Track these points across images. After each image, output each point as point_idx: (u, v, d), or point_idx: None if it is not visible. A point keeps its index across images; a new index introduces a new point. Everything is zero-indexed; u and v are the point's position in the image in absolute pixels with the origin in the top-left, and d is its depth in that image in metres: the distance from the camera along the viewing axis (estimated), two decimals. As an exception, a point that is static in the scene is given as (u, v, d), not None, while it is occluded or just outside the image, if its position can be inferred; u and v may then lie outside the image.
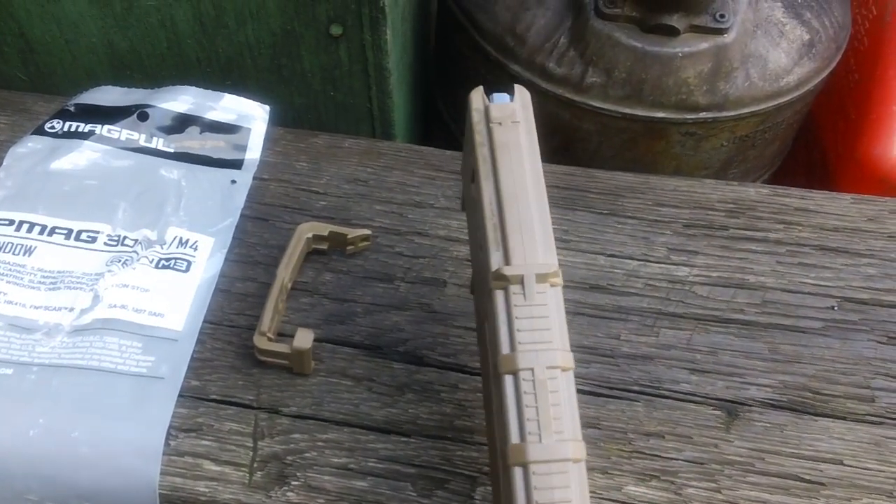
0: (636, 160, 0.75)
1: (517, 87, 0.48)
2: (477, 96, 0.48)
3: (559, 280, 0.42)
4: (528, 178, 0.44)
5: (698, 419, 0.54)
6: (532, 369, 0.39)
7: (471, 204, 0.49)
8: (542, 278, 0.41)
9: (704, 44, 0.71)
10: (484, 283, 0.44)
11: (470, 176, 0.48)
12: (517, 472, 0.38)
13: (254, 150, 0.65)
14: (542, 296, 0.41)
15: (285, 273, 0.55)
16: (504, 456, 0.39)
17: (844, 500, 0.51)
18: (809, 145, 0.93)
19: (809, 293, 0.61)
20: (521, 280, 0.41)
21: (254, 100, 0.68)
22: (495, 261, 0.42)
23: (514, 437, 0.38)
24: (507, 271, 0.41)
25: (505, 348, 0.40)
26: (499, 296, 0.41)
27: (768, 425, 0.54)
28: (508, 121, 0.46)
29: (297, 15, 0.64)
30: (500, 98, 0.47)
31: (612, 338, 0.58)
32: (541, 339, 0.40)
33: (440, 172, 0.67)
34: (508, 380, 0.40)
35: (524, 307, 0.41)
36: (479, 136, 0.46)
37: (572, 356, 0.41)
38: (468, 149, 0.49)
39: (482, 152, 0.45)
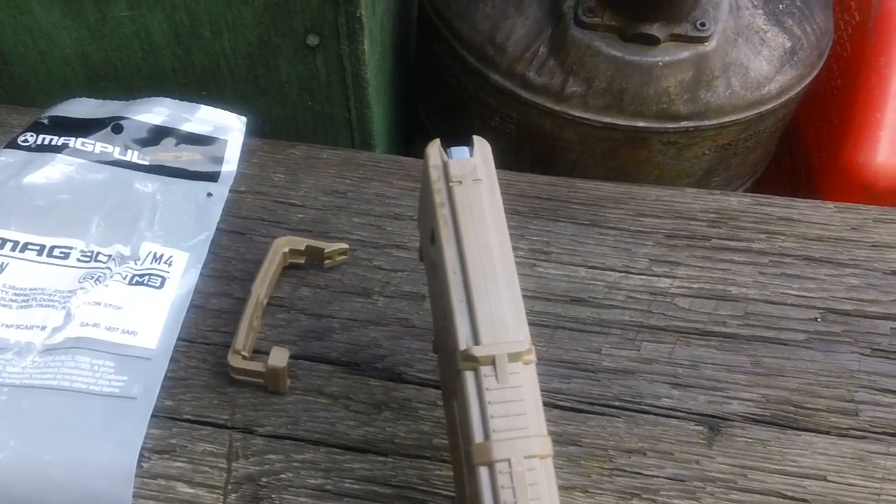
0: (618, 169, 0.75)
1: (476, 140, 0.45)
2: (434, 151, 0.45)
3: (532, 357, 0.40)
4: (493, 244, 0.42)
5: (680, 435, 0.53)
6: (509, 460, 0.37)
7: (430, 265, 0.47)
8: (514, 357, 0.39)
9: (685, 52, 0.70)
10: (451, 360, 0.41)
11: (429, 235, 0.46)
12: None
13: (230, 162, 0.64)
14: (516, 376, 0.39)
15: (260, 289, 0.54)
16: None
17: (827, 516, 0.50)
18: (792, 152, 0.92)
19: (792, 304, 0.61)
20: (492, 361, 0.39)
21: (230, 111, 0.67)
22: (463, 338, 0.40)
23: None
24: (477, 352, 0.39)
25: (478, 436, 0.38)
26: (469, 378, 0.39)
27: (751, 440, 0.53)
28: (469, 179, 0.43)
29: (273, 25, 0.63)
30: (459, 153, 0.45)
31: (593, 352, 0.57)
32: (516, 426, 0.38)
33: (419, 183, 0.66)
34: (483, 472, 0.37)
35: (496, 391, 0.39)
36: (439, 196, 0.43)
37: (550, 441, 0.39)
38: (426, 205, 0.46)
39: (442, 213, 0.43)
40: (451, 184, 0.43)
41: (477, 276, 0.41)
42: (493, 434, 0.38)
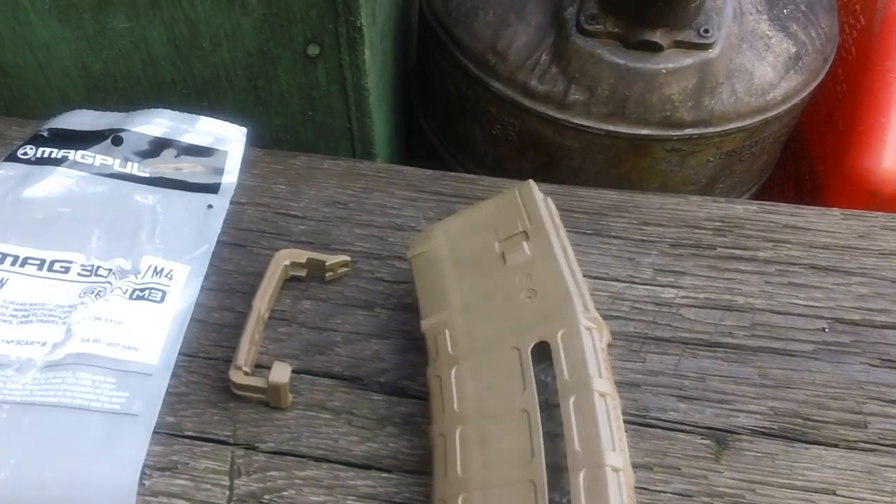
0: (621, 177, 0.74)
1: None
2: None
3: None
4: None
5: (687, 449, 0.53)
6: None
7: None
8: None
9: (688, 59, 0.70)
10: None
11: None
12: None
13: (231, 174, 0.64)
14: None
15: (262, 303, 0.54)
16: None
17: (837, 531, 0.50)
18: (797, 157, 0.92)
19: (800, 314, 0.60)
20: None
21: (231, 121, 0.66)
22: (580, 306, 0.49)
23: None
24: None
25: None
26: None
27: (759, 454, 0.53)
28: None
29: (273, 35, 0.63)
30: None
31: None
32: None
33: (421, 193, 0.65)
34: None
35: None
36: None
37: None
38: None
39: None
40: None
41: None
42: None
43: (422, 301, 0.53)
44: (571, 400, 0.44)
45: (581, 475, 0.41)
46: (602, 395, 0.44)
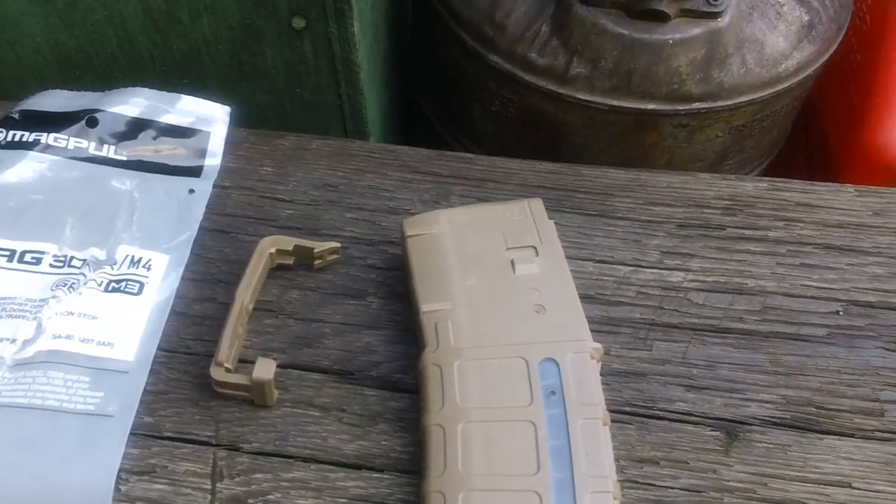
0: (626, 154, 0.71)
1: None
2: None
3: None
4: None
5: (695, 442, 0.50)
6: None
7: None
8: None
9: (697, 29, 0.66)
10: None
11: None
12: None
13: (214, 156, 0.61)
14: None
15: (245, 295, 0.51)
16: None
17: (854, 527, 0.47)
18: (809, 131, 0.88)
19: (813, 297, 0.57)
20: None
21: (214, 99, 0.63)
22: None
23: None
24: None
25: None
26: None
27: (770, 446, 0.50)
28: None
29: (255, 7, 0.59)
30: None
31: (602, 354, 0.53)
32: None
33: (416, 174, 0.62)
34: None
35: None
36: None
37: None
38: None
39: None
40: None
41: None
42: None
43: (419, 284, 0.51)
44: (579, 423, 0.44)
45: (587, 497, 0.42)
46: (605, 423, 0.45)
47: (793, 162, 0.88)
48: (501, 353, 0.47)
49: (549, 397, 0.45)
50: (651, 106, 0.67)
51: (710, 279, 0.58)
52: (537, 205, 0.55)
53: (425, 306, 0.50)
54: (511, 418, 0.45)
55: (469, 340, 0.48)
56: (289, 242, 0.54)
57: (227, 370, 0.48)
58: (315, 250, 0.54)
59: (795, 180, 0.65)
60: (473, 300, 0.50)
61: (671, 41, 0.66)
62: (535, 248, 0.53)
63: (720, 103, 0.68)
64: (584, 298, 0.56)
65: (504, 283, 0.51)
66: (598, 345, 0.48)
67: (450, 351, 0.47)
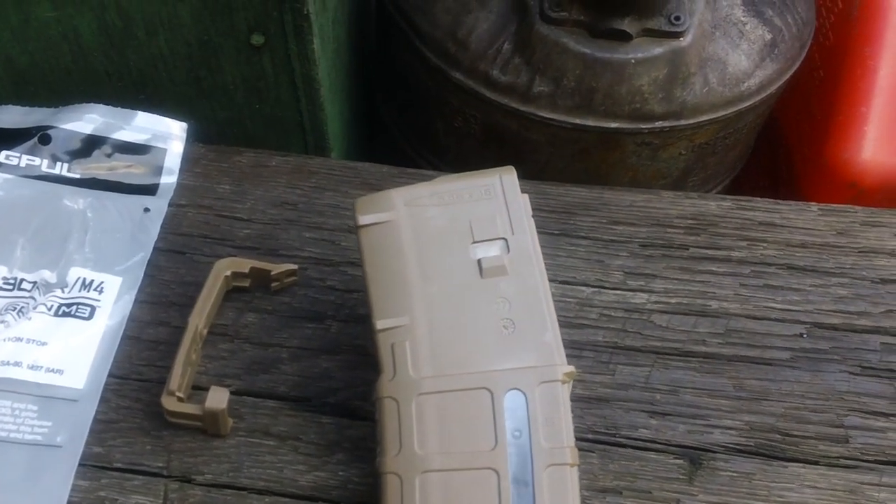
0: (589, 171, 0.70)
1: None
2: None
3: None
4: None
5: (658, 470, 0.49)
6: None
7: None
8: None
9: (659, 48, 0.66)
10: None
11: None
12: None
13: (170, 173, 0.59)
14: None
15: (199, 320, 0.49)
16: None
17: (817, 556, 0.47)
18: (773, 147, 0.88)
19: (776, 319, 0.57)
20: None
21: (172, 115, 0.62)
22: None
23: None
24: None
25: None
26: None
27: (734, 474, 0.49)
28: None
29: (213, 24, 0.58)
30: None
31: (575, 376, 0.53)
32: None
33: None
34: None
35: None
36: None
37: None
38: None
39: None
40: None
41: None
42: None
43: (374, 292, 0.46)
44: (546, 472, 0.42)
45: None
46: (573, 465, 0.42)
47: (756, 178, 0.88)
48: (464, 382, 0.44)
49: (515, 438, 0.42)
50: (614, 125, 0.67)
51: (674, 301, 0.57)
52: (509, 178, 0.49)
53: (381, 323, 0.45)
54: (472, 466, 0.42)
55: (429, 368, 0.44)
56: (245, 265, 0.53)
57: (180, 399, 0.47)
58: (272, 273, 0.53)
59: (759, 199, 0.65)
60: (434, 313, 0.45)
61: (633, 60, 0.65)
62: (505, 240, 0.47)
63: (683, 122, 0.68)
64: (547, 321, 0.55)
65: (469, 291, 0.45)
66: (570, 368, 0.44)
67: (408, 383, 0.44)
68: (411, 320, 0.45)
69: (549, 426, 0.43)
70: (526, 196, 0.49)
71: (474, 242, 0.47)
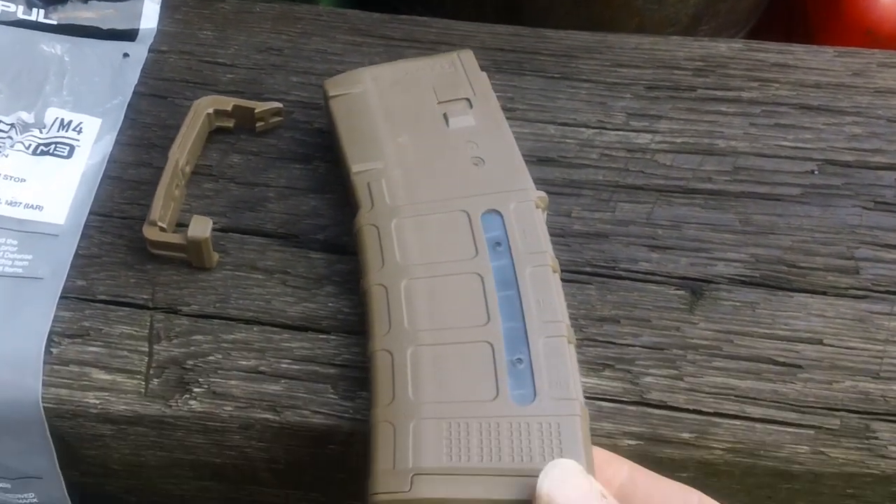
0: (593, 19, 0.67)
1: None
2: None
3: None
4: None
5: (658, 300, 0.48)
6: None
7: None
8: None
9: None
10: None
11: None
12: None
13: (149, 19, 0.57)
14: None
15: (180, 154, 0.48)
16: None
17: (824, 383, 0.45)
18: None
19: (787, 157, 0.54)
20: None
21: (152, -37, 0.59)
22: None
23: None
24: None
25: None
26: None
27: (738, 304, 0.48)
28: None
29: None
30: None
31: (562, 215, 0.51)
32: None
33: (366, 38, 0.59)
34: None
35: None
36: None
37: None
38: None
39: None
40: None
41: None
42: None
43: (348, 146, 0.48)
44: (528, 271, 0.42)
45: (541, 342, 0.40)
46: (554, 270, 0.42)
47: (771, 33, 0.84)
48: (440, 208, 0.45)
49: (495, 249, 0.43)
50: (618, -38, 0.64)
51: (679, 140, 0.55)
52: (468, 56, 0.52)
53: (356, 167, 0.47)
54: (456, 272, 0.42)
55: (405, 198, 0.45)
56: (227, 102, 0.51)
57: (162, 229, 0.45)
58: (256, 111, 0.51)
59: (772, 42, 0.62)
60: (406, 158, 0.47)
61: None
62: (468, 100, 0.50)
63: (692, -41, 0.64)
64: (546, 161, 0.53)
65: (438, 139, 0.48)
66: (542, 193, 0.46)
67: (386, 210, 0.45)
68: (385, 164, 0.47)
69: (527, 237, 0.43)
70: (485, 74, 0.52)
71: (440, 103, 0.50)
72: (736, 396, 0.44)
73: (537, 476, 0.35)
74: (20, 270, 0.45)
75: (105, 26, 0.56)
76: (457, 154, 0.47)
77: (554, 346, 0.40)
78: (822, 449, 0.44)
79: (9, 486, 0.47)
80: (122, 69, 0.54)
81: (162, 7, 0.58)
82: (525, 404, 0.38)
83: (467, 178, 0.46)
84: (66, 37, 0.55)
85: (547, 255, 0.43)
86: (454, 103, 0.50)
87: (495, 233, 0.44)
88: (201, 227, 0.44)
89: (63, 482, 0.47)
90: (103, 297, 0.46)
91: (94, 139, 0.50)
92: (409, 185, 0.46)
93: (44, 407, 0.43)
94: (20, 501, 0.48)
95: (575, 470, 0.34)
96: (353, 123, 0.49)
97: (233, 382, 0.44)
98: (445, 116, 0.49)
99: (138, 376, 0.44)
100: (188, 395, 0.43)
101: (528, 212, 0.44)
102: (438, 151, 0.47)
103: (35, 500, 0.47)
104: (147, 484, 0.50)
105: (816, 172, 0.54)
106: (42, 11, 0.56)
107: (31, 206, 0.47)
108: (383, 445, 0.38)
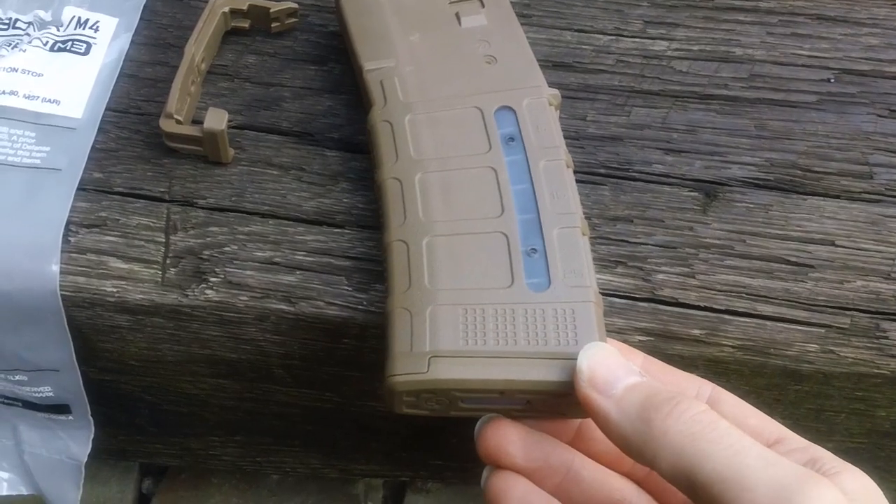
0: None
1: None
2: None
3: None
4: None
5: (671, 201, 0.48)
6: None
7: None
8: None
9: None
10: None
11: None
12: None
13: (165, -79, 0.56)
14: None
15: (196, 49, 0.48)
16: None
17: (835, 282, 0.45)
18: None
19: (803, 65, 0.54)
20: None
21: None
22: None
23: None
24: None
25: None
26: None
27: (751, 206, 0.48)
28: None
29: None
30: None
31: (577, 119, 0.51)
32: None
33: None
34: None
35: None
36: None
37: None
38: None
39: None
40: None
41: None
42: None
43: (359, 44, 0.48)
44: (542, 165, 0.42)
45: (555, 233, 0.40)
46: (568, 165, 0.42)
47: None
48: (453, 104, 0.44)
49: (508, 143, 0.43)
50: None
51: (696, 48, 0.54)
52: None
53: (368, 64, 0.47)
54: (470, 166, 0.42)
55: (418, 94, 0.45)
56: (243, 2, 0.51)
57: (178, 122, 0.45)
58: (271, 10, 0.51)
59: (790, -45, 0.61)
60: (418, 56, 0.47)
61: None
62: (480, 0, 0.49)
63: None
64: (561, 67, 0.53)
65: (450, 37, 0.48)
66: (554, 91, 0.45)
67: (399, 106, 0.45)
68: (397, 62, 0.46)
69: (540, 132, 0.43)
70: None
71: (451, 3, 0.49)
72: (747, 294, 0.45)
73: (553, 359, 0.35)
74: (38, 161, 0.45)
75: (119, -72, 0.55)
76: (469, 52, 0.47)
77: (568, 236, 0.40)
78: (831, 348, 0.44)
79: (25, 378, 0.47)
80: (137, -30, 0.54)
81: None
82: (540, 291, 0.38)
83: (480, 76, 0.46)
84: (81, -63, 0.55)
85: (560, 149, 0.43)
86: (466, 3, 0.49)
87: (509, 129, 0.44)
88: (217, 119, 0.44)
89: (80, 376, 0.47)
90: (120, 189, 0.46)
91: (110, 37, 0.50)
92: (422, 83, 0.46)
93: (61, 295, 0.43)
94: (35, 394, 0.48)
95: (612, 350, 0.35)
96: (365, 22, 0.49)
97: (248, 273, 0.44)
98: (458, 16, 0.48)
99: (155, 266, 0.44)
100: (204, 285, 0.44)
101: (541, 108, 0.44)
102: (451, 50, 0.47)
103: (51, 392, 0.48)
104: (163, 381, 0.51)
105: (832, 80, 0.53)
106: (57, -88, 0.55)
107: (49, 101, 0.47)
108: (400, 330, 0.38)
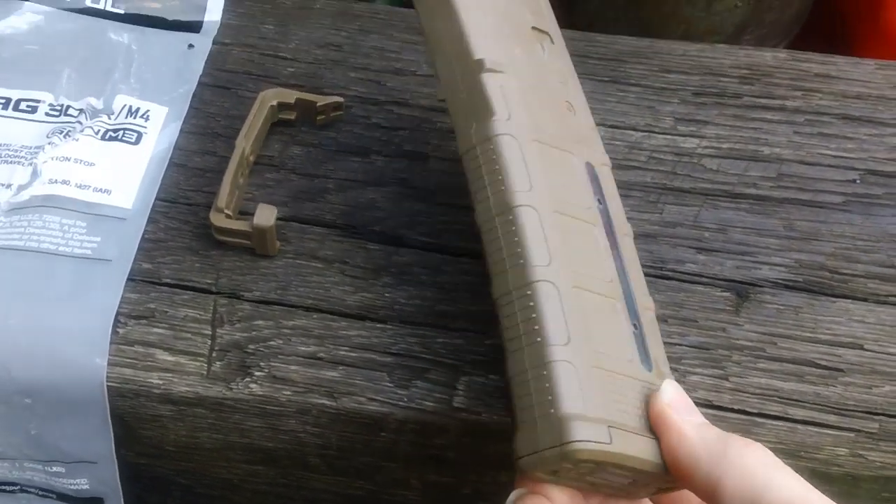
0: (641, 23, 0.68)
1: None
2: None
3: None
4: None
5: (705, 301, 0.49)
6: None
7: None
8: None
9: None
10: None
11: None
12: None
13: (213, 12, 0.58)
14: None
15: (245, 143, 0.49)
16: None
17: (864, 387, 0.46)
18: (830, 12, 0.85)
19: (829, 165, 0.55)
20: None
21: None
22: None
23: None
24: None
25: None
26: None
27: (781, 307, 0.49)
28: None
29: None
30: None
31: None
32: None
33: (422, 37, 0.60)
34: None
35: None
36: None
37: None
38: None
39: None
40: None
41: None
42: None
43: (472, 34, 0.40)
44: (624, 241, 0.41)
45: (646, 316, 0.39)
46: (632, 237, 0.42)
47: (812, 45, 0.85)
48: (557, 143, 0.39)
49: (599, 205, 0.40)
50: (669, -31, 0.65)
51: (725, 146, 0.56)
52: None
53: (489, 62, 0.39)
54: (580, 217, 0.38)
55: (526, 117, 0.39)
56: (290, 95, 0.52)
57: (228, 216, 0.47)
58: (318, 104, 0.53)
59: (815, 53, 0.63)
60: (522, 74, 0.40)
61: None
62: (549, 35, 0.44)
63: (741, -32, 0.65)
64: (595, 162, 0.54)
65: (540, 66, 0.42)
66: (610, 163, 0.44)
67: (525, 125, 0.38)
68: (511, 73, 0.40)
69: (613, 203, 0.42)
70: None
71: (532, 28, 0.44)
72: (779, 398, 0.46)
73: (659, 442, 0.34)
74: (89, 252, 0.46)
75: (170, 17, 0.57)
76: (556, 90, 0.42)
77: (652, 321, 0.39)
78: (861, 452, 0.45)
79: (63, 469, 0.48)
80: (188, 59, 0.55)
81: (226, 1, 0.59)
82: (648, 372, 0.36)
83: (568, 122, 0.41)
84: (132, 26, 0.56)
85: (629, 226, 0.41)
86: (542, 34, 0.44)
87: (594, 186, 0.41)
88: (267, 216, 0.46)
89: (117, 470, 0.48)
90: (168, 281, 0.47)
91: (160, 127, 0.52)
92: (529, 106, 0.39)
93: (108, 386, 0.44)
94: (71, 486, 0.49)
95: (681, 388, 0.36)
96: (478, 16, 0.41)
97: (292, 367, 0.45)
98: (542, 45, 0.43)
99: (201, 358, 0.45)
100: (249, 379, 0.45)
101: (610, 178, 0.41)
102: (542, 80, 0.42)
103: (86, 485, 0.48)
104: (198, 466, 0.51)
105: (858, 181, 0.55)
106: (110, 0, 0.57)
107: (100, 190, 0.49)
108: (567, 387, 0.33)
